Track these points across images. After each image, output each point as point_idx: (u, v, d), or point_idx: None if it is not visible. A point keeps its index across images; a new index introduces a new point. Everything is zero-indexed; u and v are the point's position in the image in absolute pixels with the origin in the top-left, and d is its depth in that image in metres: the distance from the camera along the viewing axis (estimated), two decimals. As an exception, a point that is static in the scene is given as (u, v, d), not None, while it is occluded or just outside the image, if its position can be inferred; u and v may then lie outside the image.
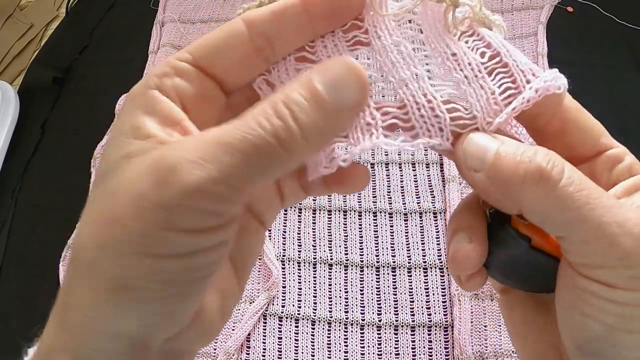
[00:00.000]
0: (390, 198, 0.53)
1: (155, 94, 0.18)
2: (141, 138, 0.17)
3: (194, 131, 0.18)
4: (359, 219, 0.52)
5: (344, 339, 0.46)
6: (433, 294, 0.47)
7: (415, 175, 0.54)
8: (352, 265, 0.49)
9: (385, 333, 0.46)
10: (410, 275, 0.48)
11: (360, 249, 0.50)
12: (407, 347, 0.45)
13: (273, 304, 0.48)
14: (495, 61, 0.19)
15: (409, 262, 0.49)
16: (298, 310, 0.48)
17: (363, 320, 0.47)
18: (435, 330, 0.46)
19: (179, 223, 0.16)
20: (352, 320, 0.47)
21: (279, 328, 0.47)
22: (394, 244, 0.50)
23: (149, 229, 0.16)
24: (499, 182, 0.18)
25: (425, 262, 0.49)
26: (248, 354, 0.46)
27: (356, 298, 0.48)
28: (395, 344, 0.46)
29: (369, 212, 0.52)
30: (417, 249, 0.50)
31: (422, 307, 0.47)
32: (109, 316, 0.17)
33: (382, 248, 0.50)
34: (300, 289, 0.49)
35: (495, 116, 0.19)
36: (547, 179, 0.17)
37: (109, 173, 0.17)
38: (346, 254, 0.50)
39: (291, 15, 0.19)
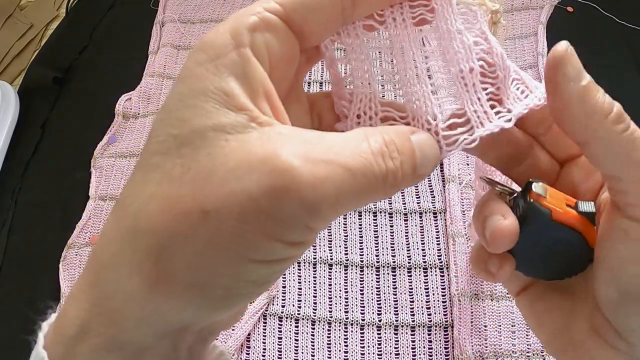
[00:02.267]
0: (390, 198, 0.53)
1: (247, 54, 0.16)
2: (233, 109, 0.16)
3: (282, 113, 0.17)
4: (359, 219, 0.52)
5: (344, 339, 0.46)
6: (433, 294, 0.47)
7: (415, 175, 0.54)
8: (352, 265, 0.49)
9: (385, 333, 0.46)
10: (410, 275, 0.48)
11: (360, 249, 0.50)
12: (407, 347, 0.45)
13: (273, 304, 0.48)
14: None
15: (409, 262, 0.49)
16: (298, 310, 0.48)
17: (363, 320, 0.47)
18: (435, 330, 0.46)
19: (285, 235, 0.15)
20: (352, 320, 0.47)
21: (279, 328, 0.47)
22: (394, 244, 0.50)
23: (251, 234, 0.15)
24: (586, 106, 0.19)
25: (425, 262, 0.49)
26: (248, 354, 0.46)
27: (356, 298, 0.48)
28: (395, 344, 0.46)
29: (369, 212, 0.52)
30: (417, 249, 0.50)
31: (422, 307, 0.47)
32: (167, 309, 0.16)
33: (382, 248, 0.50)
34: (300, 289, 0.49)
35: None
36: (625, 119, 0.19)
37: (192, 144, 0.15)
38: (346, 254, 0.50)
39: None
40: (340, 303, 0.48)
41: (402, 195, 0.53)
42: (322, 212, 0.15)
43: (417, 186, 0.53)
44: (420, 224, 0.51)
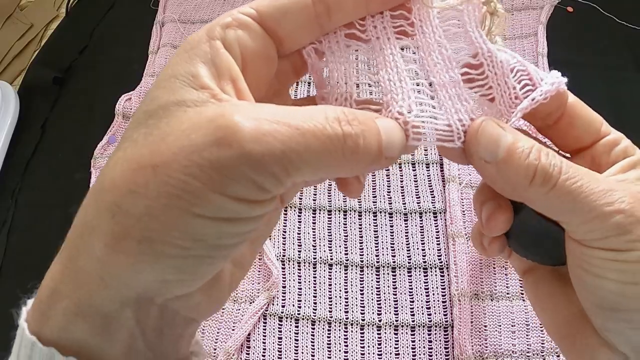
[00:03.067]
0: (390, 198, 0.53)
1: (217, 45, 0.18)
2: (196, 87, 0.17)
3: (246, 94, 0.18)
4: (359, 219, 0.52)
5: (344, 339, 0.46)
6: (433, 294, 0.47)
7: (415, 175, 0.54)
8: (352, 265, 0.49)
9: (385, 333, 0.46)
10: (410, 275, 0.48)
11: (360, 249, 0.50)
12: (407, 347, 0.45)
13: (273, 304, 0.48)
14: (517, 60, 0.21)
15: (409, 262, 0.49)
16: (298, 310, 0.48)
17: (363, 320, 0.47)
18: (435, 330, 0.46)
19: (228, 188, 0.16)
20: (352, 320, 0.47)
21: (279, 328, 0.47)
22: (394, 244, 0.50)
23: (196, 187, 0.15)
24: (507, 177, 0.20)
25: (425, 262, 0.49)
26: (248, 354, 0.46)
27: (356, 298, 0.48)
28: (395, 344, 0.46)
29: (369, 212, 0.52)
30: (417, 249, 0.50)
31: (422, 307, 0.47)
32: (124, 267, 0.16)
33: (382, 248, 0.50)
34: (300, 289, 0.49)
35: (516, 108, 0.21)
36: (550, 179, 0.19)
37: (157, 116, 0.17)
38: (346, 254, 0.50)
39: None
40: (340, 303, 0.48)
41: (402, 195, 0.53)
42: (267, 166, 0.16)
43: (417, 186, 0.53)
44: (420, 224, 0.51)
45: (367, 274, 0.49)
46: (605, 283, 0.20)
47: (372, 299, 0.48)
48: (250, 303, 0.48)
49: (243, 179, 0.16)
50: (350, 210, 0.52)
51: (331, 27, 0.20)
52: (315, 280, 0.49)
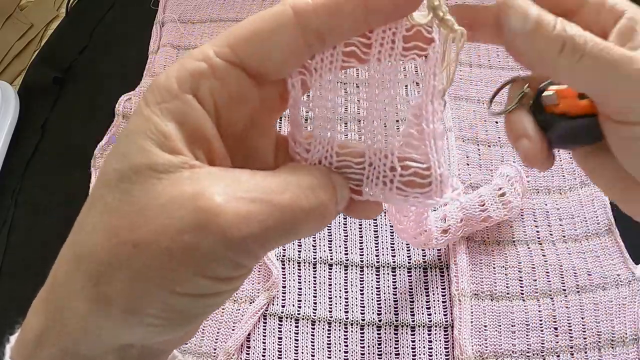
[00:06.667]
0: (390, 198, 0.53)
1: (189, 101, 0.17)
2: (168, 151, 0.16)
3: (221, 158, 0.18)
4: (359, 219, 0.52)
5: (344, 339, 0.46)
6: (433, 294, 0.47)
7: (415, 175, 0.54)
8: (352, 265, 0.49)
9: (385, 333, 0.46)
10: (410, 275, 0.48)
11: (360, 249, 0.50)
12: (407, 347, 0.45)
13: (273, 304, 0.48)
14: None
15: (409, 262, 0.49)
16: (298, 310, 0.48)
17: (363, 320, 0.47)
18: (435, 330, 0.46)
19: (209, 270, 0.16)
20: (352, 320, 0.47)
21: (279, 328, 0.47)
22: (394, 244, 0.50)
23: (178, 270, 0.16)
24: (537, 48, 0.20)
25: (425, 262, 0.49)
26: (248, 354, 0.46)
27: (356, 298, 0.48)
28: (395, 344, 0.46)
29: (369, 212, 0.52)
30: (417, 249, 0.50)
31: (422, 307, 0.47)
32: (109, 330, 0.17)
33: (382, 248, 0.50)
34: (300, 289, 0.49)
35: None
36: (578, 46, 0.19)
37: (129, 180, 0.16)
38: (346, 254, 0.50)
39: (348, 11, 0.17)
40: (340, 303, 0.48)
41: (402, 195, 0.53)
42: (247, 248, 0.16)
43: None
44: (420, 224, 0.51)
45: (367, 274, 0.49)
46: None
47: (372, 299, 0.48)
48: (250, 303, 0.48)
49: (223, 261, 0.16)
50: (350, 210, 0.52)
51: (324, 50, 0.19)
52: (315, 280, 0.49)
